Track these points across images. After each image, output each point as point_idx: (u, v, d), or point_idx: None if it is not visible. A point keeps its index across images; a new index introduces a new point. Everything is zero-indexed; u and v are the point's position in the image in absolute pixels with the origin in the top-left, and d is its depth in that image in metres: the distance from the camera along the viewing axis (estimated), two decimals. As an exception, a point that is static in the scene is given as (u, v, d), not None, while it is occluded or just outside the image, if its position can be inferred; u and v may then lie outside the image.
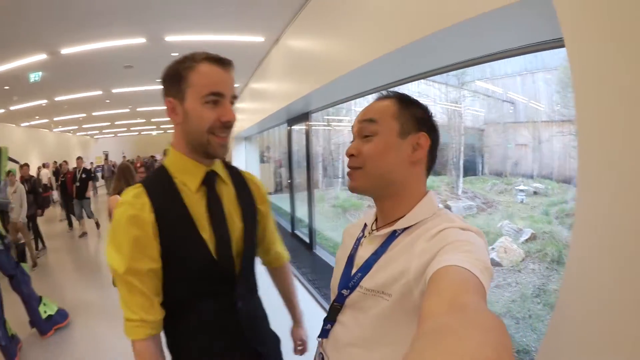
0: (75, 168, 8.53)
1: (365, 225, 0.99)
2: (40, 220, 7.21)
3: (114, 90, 9.24)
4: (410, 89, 7.31)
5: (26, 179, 6.96)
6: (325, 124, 9.99)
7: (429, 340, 0.42)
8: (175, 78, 1.04)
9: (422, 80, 2.82)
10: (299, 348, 1.55)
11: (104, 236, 8.06)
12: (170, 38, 5.14)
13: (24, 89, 7.68)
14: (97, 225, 8.66)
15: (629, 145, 0.83)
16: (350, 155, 0.89)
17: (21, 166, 7.08)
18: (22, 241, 4.33)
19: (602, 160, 0.92)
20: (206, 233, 1.07)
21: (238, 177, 1.26)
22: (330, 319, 0.94)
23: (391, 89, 1.10)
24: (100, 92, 9.31)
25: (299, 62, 4.40)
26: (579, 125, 0.98)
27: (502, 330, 0.43)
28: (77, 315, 4.01)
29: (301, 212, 6.39)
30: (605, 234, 0.92)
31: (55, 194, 11.42)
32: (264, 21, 4.63)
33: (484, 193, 6.83)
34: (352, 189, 0.91)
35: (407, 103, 0.90)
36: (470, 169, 7.30)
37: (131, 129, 22.76)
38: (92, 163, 21.28)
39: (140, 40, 5.14)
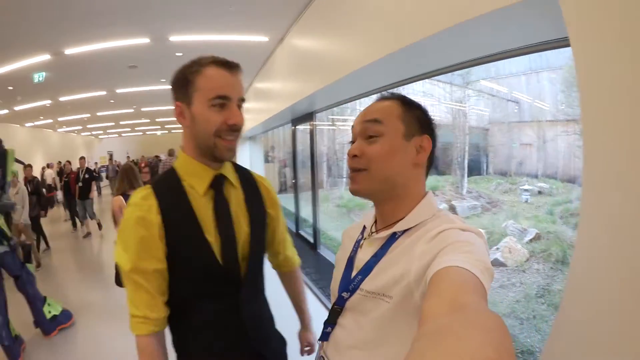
0: (78, 168, 8.50)
1: (365, 227, 0.99)
2: (44, 221, 7.23)
3: (118, 91, 9.26)
4: (415, 89, 7.33)
5: (29, 180, 6.95)
6: (330, 123, 10.00)
7: (430, 340, 0.42)
8: (183, 82, 1.05)
9: (426, 80, 2.82)
10: (306, 349, 1.55)
11: (107, 237, 8.09)
12: (174, 38, 5.16)
13: (28, 90, 7.69)
14: (99, 226, 8.58)
15: (635, 144, 0.83)
16: (352, 156, 0.87)
17: (25, 167, 7.08)
18: (28, 242, 4.35)
19: (607, 160, 0.91)
20: (212, 236, 1.08)
21: (248, 180, 1.26)
22: (331, 322, 0.93)
23: (391, 90, 1.09)
24: (104, 92, 9.33)
25: (304, 61, 4.40)
26: (584, 125, 0.97)
27: (503, 330, 0.43)
28: (80, 316, 4.02)
29: (305, 212, 6.39)
30: (611, 234, 0.91)
31: (60, 194, 11.45)
32: (268, 21, 4.63)
33: (488, 193, 6.81)
34: (355, 192, 0.89)
35: (410, 105, 0.90)
36: (474, 169, 7.28)
37: (135, 129, 22.80)
38: (96, 163, 21.36)
39: (144, 40, 5.15)
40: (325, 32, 3.57)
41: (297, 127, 6.28)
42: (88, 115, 13.65)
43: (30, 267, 3.63)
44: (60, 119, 14.11)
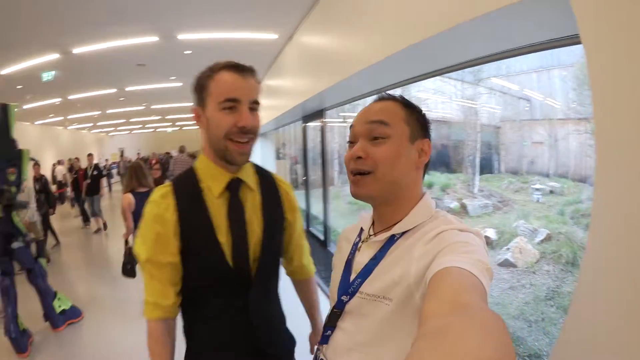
0: (87, 165, 8.49)
1: (362, 229, 0.98)
2: (54, 217, 7.29)
3: (128, 88, 9.36)
4: (426, 86, 7.29)
5: (37, 179, 6.92)
6: (341, 120, 10.00)
7: (430, 341, 0.42)
8: (199, 88, 1.10)
9: (437, 77, 2.80)
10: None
11: (116, 233, 8.08)
12: (182, 36, 5.18)
13: (37, 88, 7.79)
14: (105, 226, 8.46)
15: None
16: (357, 158, 0.85)
17: (32, 165, 7.12)
18: (41, 238, 4.42)
19: (620, 159, 0.89)
20: (223, 237, 1.11)
21: (268, 184, 1.28)
22: (330, 325, 0.93)
23: (397, 88, 1.08)
24: (114, 90, 9.44)
25: (313, 59, 4.40)
26: (596, 123, 0.95)
27: (504, 330, 0.42)
28: (89, 311, 4.06)
29: (316, 209, 6.40)
30: (623, 235, 0.89)
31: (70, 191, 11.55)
32: (277, 18, 4.64)
33: (500, 191, 6.75)
34: (359, 195, 0.87)
35: (411, 107, 0.89)
36: (486, 167, 7.21)
37: (146, 126, 23.01)
38: (106, 160, 21.58)
39: (153, 38, 5.18)
40: (334, 29, 3.55)
41: (307, 124, 6.28)
42: (98, 112, 13.80)
43: (43, 261, 3.69)
44: (70, 116, 14.30)
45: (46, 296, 3.62)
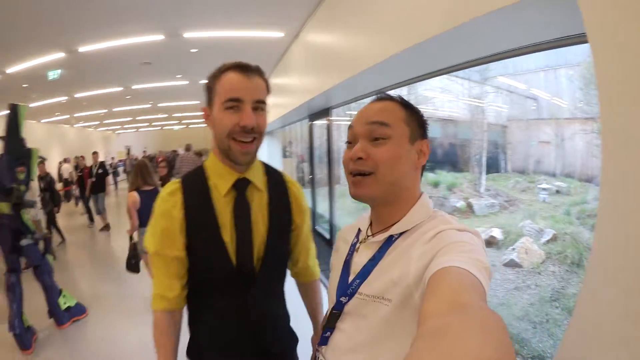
0: (93, 163, 8.51)
1: (359, 230, 0.98)
2: (61, 214, 7.32)
3: (134, 87, 9.39)
4: (433, 84, 7.26)
5: (42, 177, 6.92)
6: (348, 119, 9.97)
7: (429, 340, 0.42)
8: (207, 88, 1.14)
9: (444, 75, 2.79)
10: None
11: (120, 232, 8.10)
12: (188, 34, 5.18)
13: (43, 87, 7.81)
14: (107, 227, 8.38)
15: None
16: (357, 159, 0.85)
17: (37, 163, 7.13)
18: (49, 235, 4.46)
19: (626, 159, 0.89)
20: (228, 236, 1.14)
21: (278, 185, 1.29)
22: (330, 327, 0.93)
23: (395, 90, 1.08)
24: (120, 89, 9.47)
25: (319, 57, 4.39)
26: (603, 123, 0.94)
27: (503, 330, 0.42)
28: (94, 308, 4.10)
29: (322, 207, 6.40)
30: (629, 236, 0.88)
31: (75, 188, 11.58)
32: (283, 16, 4.62)
33: (506, 191, 6.71)
34: (360, 196, 0.87)
35: (411, 108, 0.89)
36: (492, 166, 7.17)
37: (153, 124, 23.10)
38: (112, 158, 21.67)
39: (159, 37, 5.19)
40: (340, 26, 3.54)
41: (314, 122, 6.28)
42: (105, 110, 13.86)
43: (50, 258, 3.75)
44: (76, 114, 14.34)
45: (52, 293, 3.67)
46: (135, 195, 3.73)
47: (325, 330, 0.94)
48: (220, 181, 1.16)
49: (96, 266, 6.15)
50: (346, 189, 0.91)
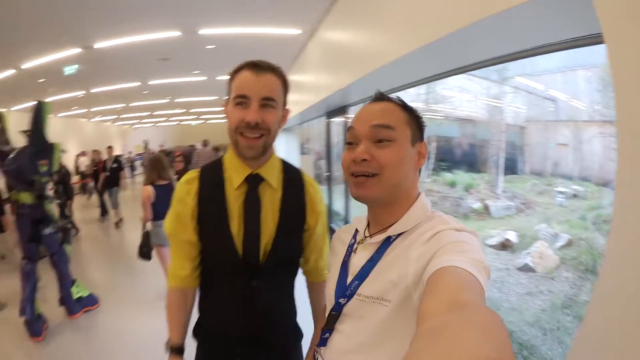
0: (108, 157, 8.52)
1: (357, 231, 0.98)
2: (75, 207, 7.40)
3: (151, 82, 9.49)
4: (451, 83, 7.18)
5: (56, 170, 7.02)
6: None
7: (428, 340, 0.42)
8: (227, 86, 1.20)
9: (462, 75, 2.75)
10: None
11: (134, 225, 8.16)
12: (204, 31, 5.23)
13: (60, 81, 7.91)
14: (120, 221, 8.24)
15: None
16: (361, 160, 0.85)
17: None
18: (68, 225, 4.55)
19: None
20: (235, 227, 1.19)
21: (296, 185, 1.31)
22: (329, 328, 0.93)
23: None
24: (137, 84, 9.59)
25: (336, 54, 4.38)
26: (619, 127, 0.92)
27: (502, 329, 0.42)
28: (105, 299, 4.15)
29: (338, 205, 6.40)
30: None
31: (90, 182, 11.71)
32: (299, 13, 4.63)
33: (523, 193, 6.61)
34: (363, 197, 0.87)
35: (410, 110, 0.90)
36: (509, 168, 7.07)
37: (170, 119, 23.28)
38: (130, 152, 21.92)
39: (175, 33, 5.24)
40: (357, 23, 3.52)
41: (331, 119, 6.28)
42: (122, 105, 14.02)
43: (67, 247, 3.85)
44: (93, 109, 14.52)
45: (65, 282, 3.75)
46: (149, 189, 3.77)
47: (324, 332, 0.94)
48: (234, 174, 1.21)
49: (109, 258, 6.24)
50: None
